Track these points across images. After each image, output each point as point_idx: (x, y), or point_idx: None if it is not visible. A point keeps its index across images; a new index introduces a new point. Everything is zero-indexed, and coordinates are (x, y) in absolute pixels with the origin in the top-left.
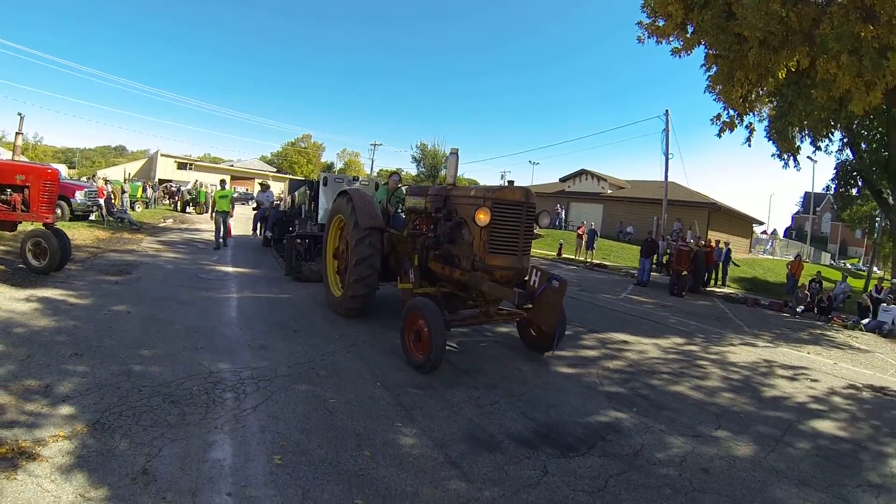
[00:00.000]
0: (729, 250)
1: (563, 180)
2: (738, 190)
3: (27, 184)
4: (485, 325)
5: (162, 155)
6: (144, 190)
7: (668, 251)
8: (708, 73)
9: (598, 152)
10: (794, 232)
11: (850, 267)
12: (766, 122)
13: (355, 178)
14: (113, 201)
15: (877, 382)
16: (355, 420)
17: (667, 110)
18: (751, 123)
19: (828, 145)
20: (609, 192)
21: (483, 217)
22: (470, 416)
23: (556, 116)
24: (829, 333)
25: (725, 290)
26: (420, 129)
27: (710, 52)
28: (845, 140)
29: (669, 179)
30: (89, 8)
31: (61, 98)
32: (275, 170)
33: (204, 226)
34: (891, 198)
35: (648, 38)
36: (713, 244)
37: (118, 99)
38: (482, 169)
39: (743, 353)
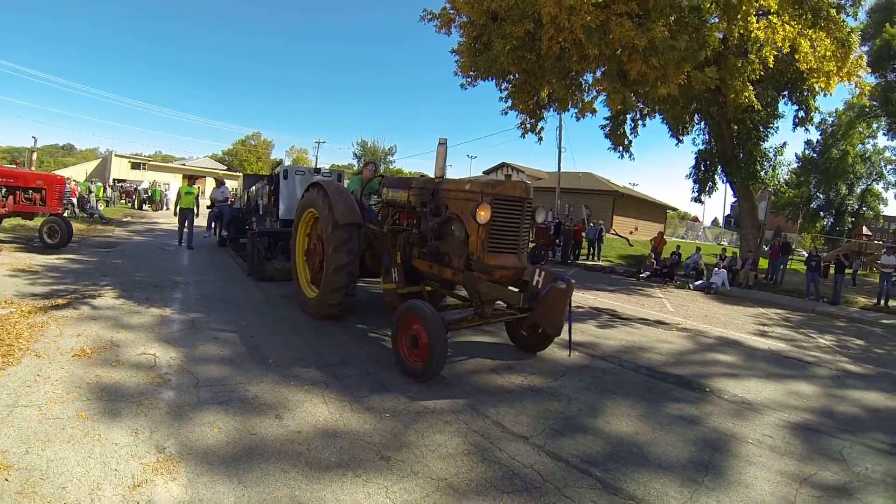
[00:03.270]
0: (601, 229)
1: (486, 173)
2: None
3: (44, 187)
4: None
5: (116, 155)
6: (105, 190)
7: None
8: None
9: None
10: (734, 219)
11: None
12: (605, 121)
13: (317, 170)
14: (85, 199)
15: (608, 307)
16: (240, 295)
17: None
18: (541, 127)
19: (694, 138)
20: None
21: (484, 214)
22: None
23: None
24: (647, 289)
25: (598, 262)
26: (360, 125)
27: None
28: (710, 132)
29: (587, 171)
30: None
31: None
32: (225, 167)
33: (161, 220)
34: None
35: (460, 73)
36: (580, 224)
37: (62, 99)
38: (420, 163)
39: None
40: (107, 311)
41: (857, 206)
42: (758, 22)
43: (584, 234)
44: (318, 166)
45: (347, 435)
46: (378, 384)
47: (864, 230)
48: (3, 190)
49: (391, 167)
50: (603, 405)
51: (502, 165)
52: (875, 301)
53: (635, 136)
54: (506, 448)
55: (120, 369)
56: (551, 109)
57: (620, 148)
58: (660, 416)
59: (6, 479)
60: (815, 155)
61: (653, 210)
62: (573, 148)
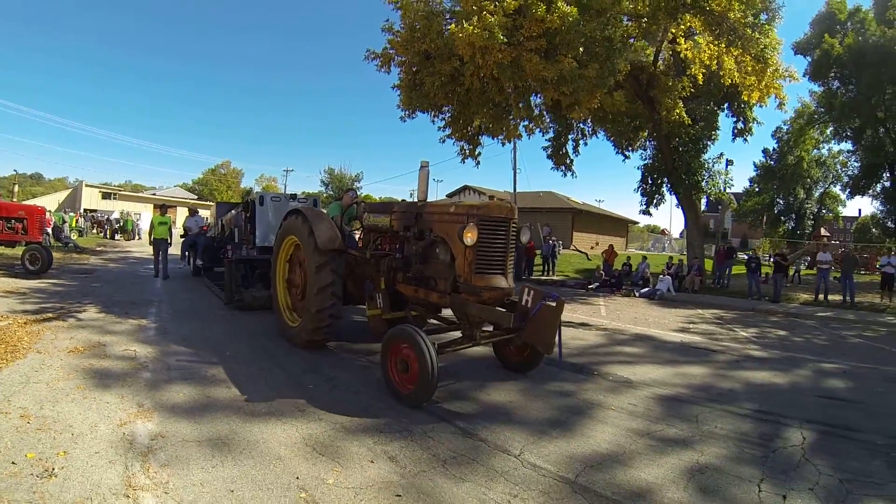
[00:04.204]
0: (555, 245)
1: (449, 196)
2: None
3: (25, 217)
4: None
5: (86, 185)
6: (77, 220)
7: None
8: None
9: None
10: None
11: (743, 256)
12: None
13: (293, 196)
14: (60, 229)
15: None
16: (207, 311)
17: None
18: (479, 153)
19: (642, 153)
20: None
21: (471, 235)
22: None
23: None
24: (591, 299)
25: (552, 277)
26: (328, 152)
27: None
28: (657, 147)
29: (550, 190)
30: None
31: None
32: (196, 197)
33: (134, 249)
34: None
35: (401, 107)
36: (531, 241)
37: (30, 128)
38: (386, 187)
39: None
40: (92, 322)
41: (816, 209)
42: (685, 42)
43: (537, 251)
44: (293, 192)
45: (278, 397)
46: (311, 369)
47: (823, 232)
48: None
49: (359, 193)
50: (489, 383)
51: (464, 188)
52: (814, 297)
53: (577, 156)
54: (393, 406)
55: (108, 360)
56: (487, 136)
57: (563, 167)
58: (538, 391)
59: (28, 423)
60: (772, 162)
61: (613, 225)
62: (533, 168)
